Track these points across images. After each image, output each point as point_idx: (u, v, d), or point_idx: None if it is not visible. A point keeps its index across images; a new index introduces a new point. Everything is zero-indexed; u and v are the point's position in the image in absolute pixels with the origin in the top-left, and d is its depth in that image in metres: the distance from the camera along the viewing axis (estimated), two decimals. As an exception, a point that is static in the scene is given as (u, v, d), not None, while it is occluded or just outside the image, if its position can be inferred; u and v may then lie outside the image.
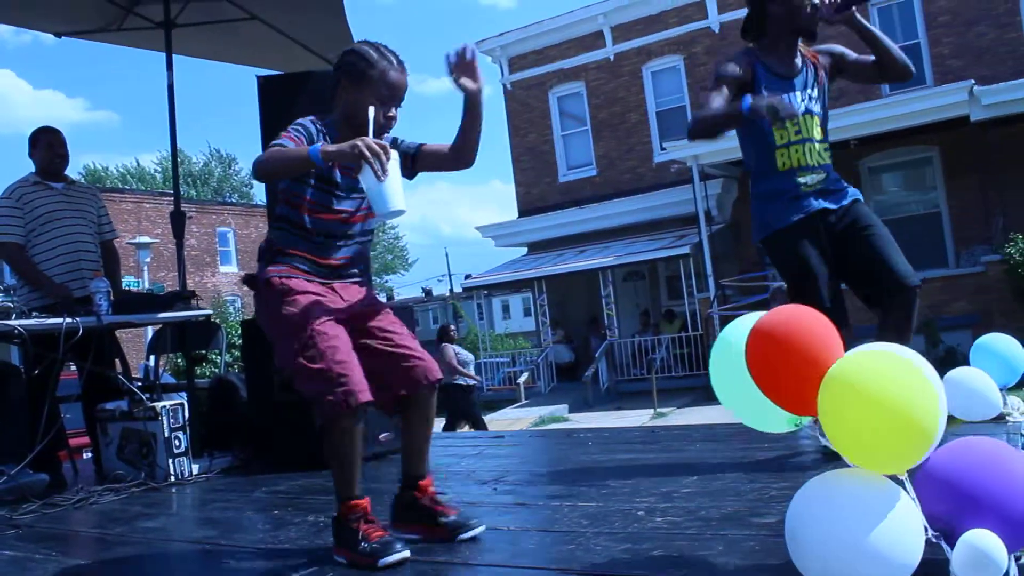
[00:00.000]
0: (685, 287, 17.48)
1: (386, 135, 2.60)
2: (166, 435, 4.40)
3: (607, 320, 18.75)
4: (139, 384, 4.86)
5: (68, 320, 4.12)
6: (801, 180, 3.38)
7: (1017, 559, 1.70)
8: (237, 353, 10.09)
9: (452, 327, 12.26)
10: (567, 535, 2.51)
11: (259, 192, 45.84)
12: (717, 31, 18.87)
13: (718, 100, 3.30)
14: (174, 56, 5.30)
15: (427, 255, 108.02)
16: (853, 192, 3.52)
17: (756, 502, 2.71)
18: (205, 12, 5.25)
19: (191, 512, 3.64)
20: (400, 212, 2.30)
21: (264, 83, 4.68)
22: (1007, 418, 3.77)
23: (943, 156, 16.40)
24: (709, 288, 16.67)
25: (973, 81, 14.47)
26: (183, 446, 4.48)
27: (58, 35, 5.79)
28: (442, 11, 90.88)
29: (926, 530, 1.70)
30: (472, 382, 11.48)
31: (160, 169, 43.90)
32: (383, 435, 4.62)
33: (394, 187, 2.29)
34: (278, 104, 4.64)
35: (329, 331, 2.42)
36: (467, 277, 23.83)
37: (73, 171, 5.08)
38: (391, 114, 2.54)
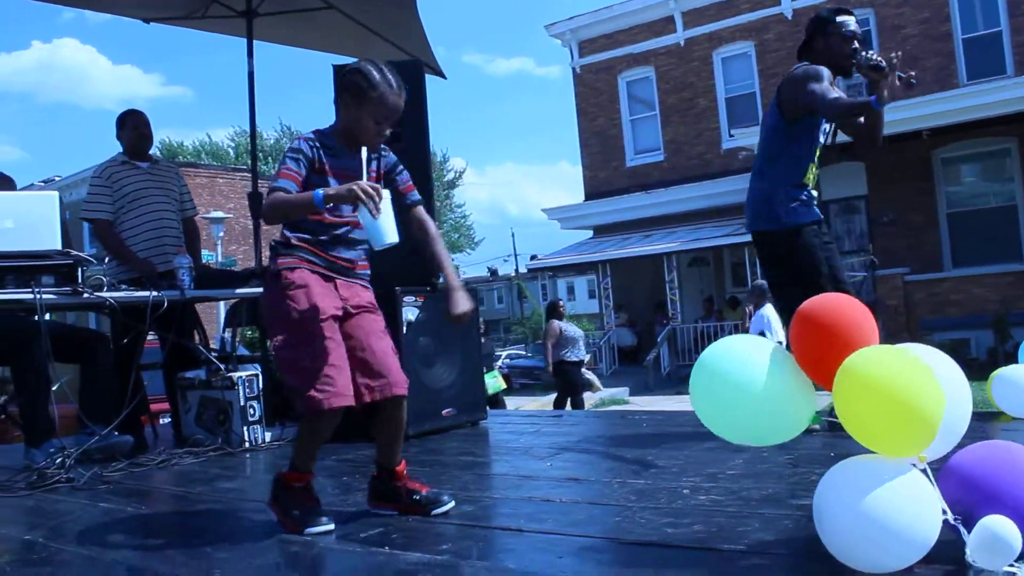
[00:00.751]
0: (750, 274, 17.39)
1: (385, 155, 2.85)
2: (242, 404, 4.67)
3: (671, 305, 18.77)
4: (216, 355, 5.13)
5: (154, 293, 4.40)
6: (814, 193, 4.00)
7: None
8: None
9: (561, 303, 12.10)
10: (615, 508, 2.68)
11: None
12: (790, 17, 18.65)
13: (838, 92, 3.76)
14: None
15: (493, 235, 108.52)
16: None
17: (796, 486, 2.84)
18: (284, 1, 5.48)
19: (265, 476, 3.85)
20: (393, 243, 2.55)
21: (339, 71, 4.87)
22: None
23: (1022, 148, 16.01)
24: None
25: (1054, 71, 14.11)
26: (257, 415, 4.74)
27: (147, 21, 6.08)
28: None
29: (944, 512, 1.82)
30: (581, 357, 11.51)
31: (233, 145, 44.81)
32: (446, 411, 4.82)
33: (387, 222, 2.52)
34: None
35: (326, 332, 2.61)
36: (533, 258, 23.98)
37: (153, 147, 5.37)
38: (385, 132, 2.74)
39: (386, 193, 2.53)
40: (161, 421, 6.09)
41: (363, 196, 2.46)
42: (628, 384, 17.37)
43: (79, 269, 4.13)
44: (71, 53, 73.12)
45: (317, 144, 2.71)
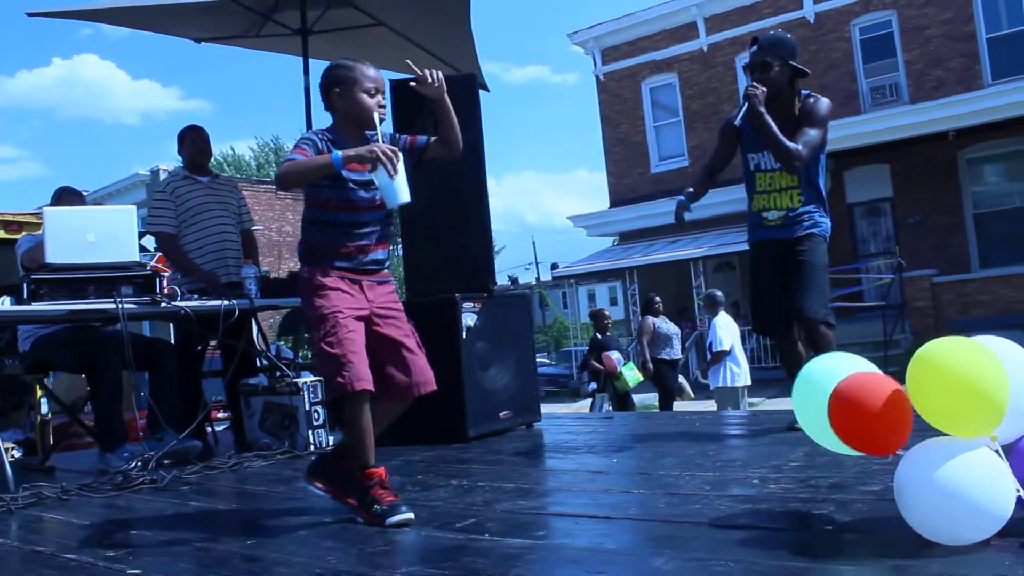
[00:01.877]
0: (776, 278, 17.44)
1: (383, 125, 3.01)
2: (307, 408, 4.84)
3: (697, 309, 18.85)
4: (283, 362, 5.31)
5: (226, 302, 4.59)
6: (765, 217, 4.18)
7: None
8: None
9: (657, 299, 11.29)
10: (692, 497, 2.83)
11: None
12: (812, 20, 18.75)
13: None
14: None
15: (513, 243, 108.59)
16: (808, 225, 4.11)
17: (860, 474, 2.97)
18: (337, 19, 5.67)
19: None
20: (407, 202, 2.79)
21: (396, 85, 5.06)
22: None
23: (1047, 147, 16.06)
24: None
25: (1081, 70, 14.17)
26: (321, 419, 4.91)
27: (198, 40, 6.28)
28: (530, 1, 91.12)
29: (1018, 489, 1.97)
30: (677, 356, 10.97)
31: (254, 156, 45.25)
32: (503, 413, 4.98)
33: (401, 182, 2.75)
34: (408, 104, 5.04)
35: (350, 324, 2.82)
36: (554, 266, 24.10)
37: (172, 161, 5.59)
38: (382, 102, 2.97)
39: (401, 155, 2.75)
40: (216, 427, 6.28)
41: (383, 156, 2.68)
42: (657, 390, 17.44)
43: (156, 280, 4.33)
44: (91, 69, 74.04)
45: (326, 138, 2.92)
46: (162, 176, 24.20)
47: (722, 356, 9.59)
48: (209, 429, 5.65)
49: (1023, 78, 15.92)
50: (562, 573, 2.16)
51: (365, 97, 2.92)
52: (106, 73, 75.13)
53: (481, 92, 5.82)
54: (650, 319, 10.83)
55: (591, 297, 53.78)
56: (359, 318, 2.88)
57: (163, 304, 4.32)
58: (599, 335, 11.29)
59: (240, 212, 5.55)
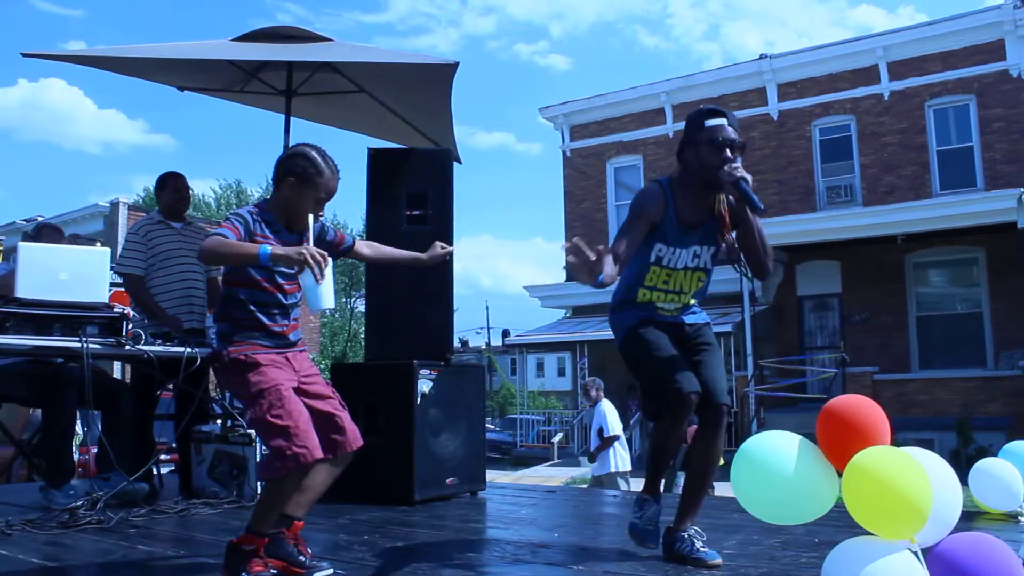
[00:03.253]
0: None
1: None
2: (257, 459, 4.90)
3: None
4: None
5: (189, 350, 4.67)
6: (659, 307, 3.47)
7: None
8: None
9: None
10: (628, 577, 2.96)
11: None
12: (776, 118, 19.45)
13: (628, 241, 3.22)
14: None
15: (466, 305, 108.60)
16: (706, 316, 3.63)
17: (789, 566, 3.14)
18: (322, 82, 5.86)
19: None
20: (330, 308, 2.84)
21: (373, 154, 5.27)
22: (1019, 518, 4.18)
23: (989, 258, 16.73)
24: (747, 367, 16.97)
25: (1022, 190, 14.84)
26: (271, 471, 4.96)
27: (181, 89, 6.43)
28: (502, 70, 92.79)
29: (929, 590, 2.15)
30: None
31: (215, 197, 45.13)
32: (450, 479, 5.08)
33: (327, 287, 2.78)
34: (384, 173, 5.25)
35: (292, 396, 2.87)
36: (505, 333, 24.27)
37: (132, 193, 5.69)
38: (321, 212, 3.07)
39: (329, 260, 2.79)
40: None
41: (311, 261, 2.69)
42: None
43: (123, 323, 4.40)
44: (57, 93, 73.50)
45: (259, 218, 2.97)
46: (121, 207, 24.12)
47: (612, 441, 9.62)
48: (155, 472, 5.66)
49: (970, 191, 16.70)
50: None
51: (310, 205, 2.99)
52: (72, 99, 74.76)
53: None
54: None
55: (540, 366, 53.95)
56: (294, 389, 2.94)
57: (127, 347, 4.39)
58: None
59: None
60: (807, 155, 19.23)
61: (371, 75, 5.69)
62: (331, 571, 2.97)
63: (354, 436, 3.06)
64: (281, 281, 3.03)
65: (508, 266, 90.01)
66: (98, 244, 6.18)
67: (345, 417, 3.06)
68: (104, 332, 4.38)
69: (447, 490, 5.08)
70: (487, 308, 60.38)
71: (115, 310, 4.46)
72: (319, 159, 3.01)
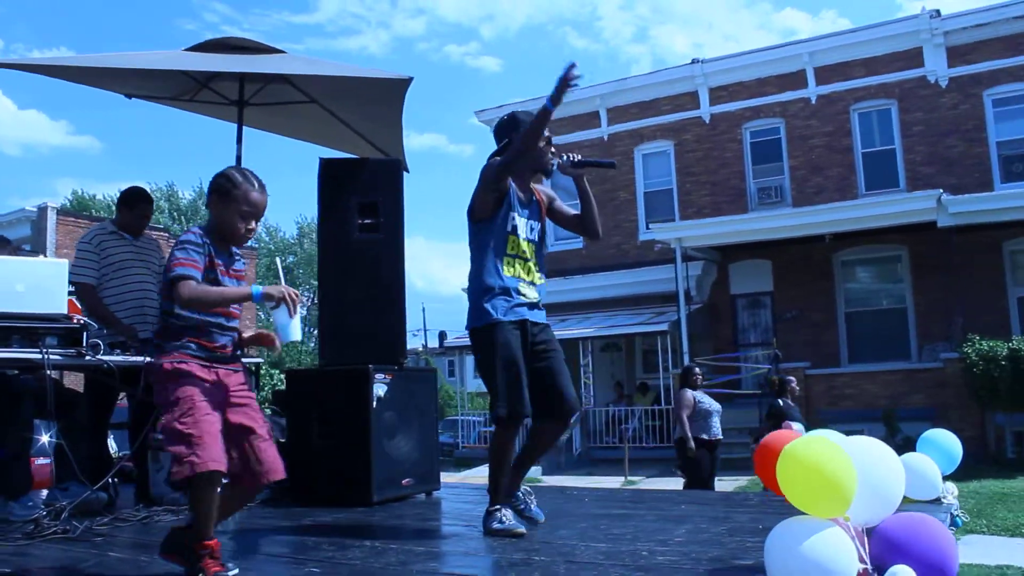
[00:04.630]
0: (661, 362, 18.18)
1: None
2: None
3: (584, 388, 19.38)
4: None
5: (148, 359, 4.73)
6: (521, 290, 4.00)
7: None
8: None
9: (697, 370, 9.92)
10: (589, 565, 3.15)
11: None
12: (708, 121, 19.93)
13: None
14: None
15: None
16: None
17: (736, 550, 3.36)
18: (274, 93, 5.95)
19: (257, 533, 4.20)
20: (298, 340, 3.15)
21: (325, 164, 5.38)
22: (942, 500, 4.49)
23: (911, 256, 17.43)
24: (683, 364, 17.36)
25: (942, 190, 15.51)
26: (229, 477, 5.05)
27: (128, 96, 6.44)
28: (433, 72, 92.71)
29: (863, 562, 2.39)
30: (717, 436, 9.39)
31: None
32: (405, 480, 5.22)
33: (296, 322, 3.06)
34: (336, 182, 5.37)
35: (206, 408, 2.94)
36: (442, 335, 24.35)
37: (60, 197, 5.72)
38: (251, 227, 3.14)
39: (302, 298, 3.04)
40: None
41: (288, 299, 3.00)
42: (541, 464, 17.78)
43: (83, 333, 4.46)
44: (-27, 93, 71.10)
45: (207, 241, 3.08)
46: (49, 212, 23.61)
47: None
48: (109, 481, 5.68)
49: (893, 192, 17.37)
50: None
51: (237, 220, 3.10)
52: (-10, 99, 72.53)
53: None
54: (688, 392, 9.46)
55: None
56: (215, 406, 3.00)
57: (87, 357, 4.44)
58: (780, 401, 9.82)
59: (162, 271, 5.67)
60: (738, 157, 19.76)
61: (323, 87, 5.81)
62: (236, 571, 3.06)
63: (273, 468, 3.07)
64: (231, 308, 3.16)
65: (442, 269, 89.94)
66: (27, 250, 6.13)
67: (267, 448, 3.09)
68: (64, 343, 4.44)
69: (403, 491, 5.22)
70: (423, 310, 60.30)
71: (74, 321, 4.52)
72: (238, 175, 3.14)
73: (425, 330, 53.76)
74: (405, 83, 4.94)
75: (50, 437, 4.89)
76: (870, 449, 2.66)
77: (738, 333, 19.44)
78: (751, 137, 19.71)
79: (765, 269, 18.82)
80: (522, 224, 4.08)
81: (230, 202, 3.10)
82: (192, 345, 3.07)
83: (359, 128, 6.06)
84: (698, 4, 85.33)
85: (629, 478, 15.36)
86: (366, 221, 5.33)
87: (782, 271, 18.58)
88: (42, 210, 24.56)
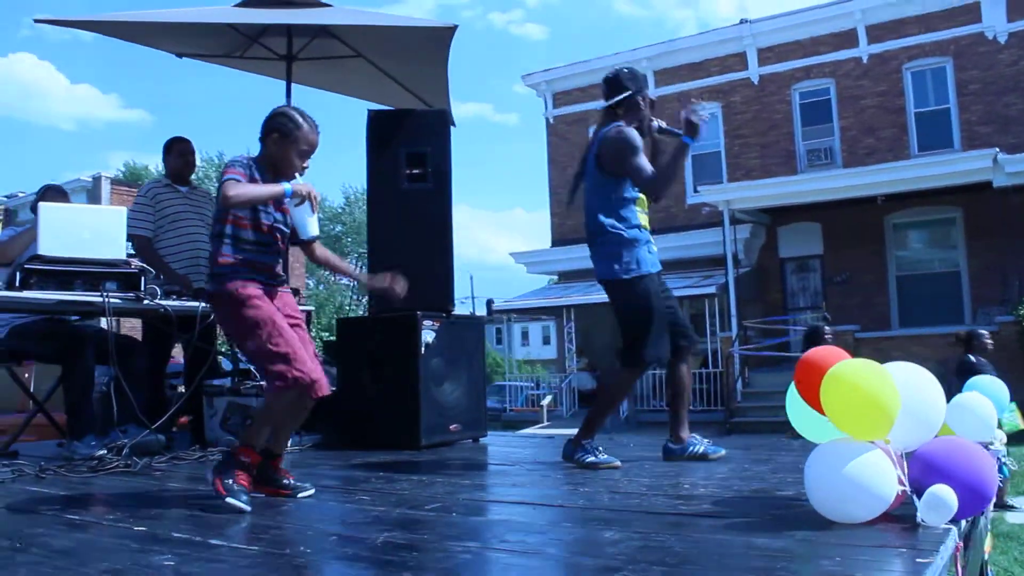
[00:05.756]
0: (708, 325, 18.11)
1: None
2: (268, 409, 5.12)
3: (630, 351, 19.40)
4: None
5: (203, 305, 4.87)
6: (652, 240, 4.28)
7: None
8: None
9: (827, 329, 8.66)
10: (633, 494, 3.23)
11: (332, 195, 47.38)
12: (756, 82, 19.66)
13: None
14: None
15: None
16: None
17: (776, 484, 3.41)
18: (321, 48, 6.03)
19: (308, 471, 4.33)
20: (317, 236, 3.39)
21: (373, 116, 5.45)
22: (989, 446, 4.47)
23: (966, 218, 17.08)
24: (731, 328, 17.29)
25: (997, 149, 15.14)
26: (282, 420, 5.19)
27: (180, 55, 6.56)
28: (477, 40, 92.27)
29: (902, 483, 2.42)
30: None
31: (202, 169, 45.03)
32: (453, 426, 5.33)
33: (315, 220, 3.32)
34: (384, 134, 5.44)
35: (286, 326, 3.16)
36: (490, 302, 24.47)
37: (114, 168, 5.87)
38: (306, 165, 3.32)
39: (319, 197, 3.29)
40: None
41: (312, 196, 3.23)
42: (602, 430, 17.90)
43: (141, 278, 4.61)
44: (28, 69, 72.48)
45: (254, 167, 3.26)
46: (103, 182, 24.13)
47: None
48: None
49: (947, 152, 17.00)
50: (528, 538, 2.52)
51: (295, 158, 3.27)
52: (44, 75, 73.84)
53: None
54: None
55: (524, 335, 54.31)
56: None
57: (146, 301, 4.59)
58: (971, 356, 8.83)
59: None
60: (787, 119, 19.48)
61: (369, 40, 5.87)
62: (313, 490, 3.30)
63: (324, 383, 3.21)
64: (278, 225, 3.32)
65: (489, 237, 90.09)
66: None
67: (318, 365, 3.26)
68: (123, 287, 4.60)
69: (451, 436, 5.32)
70: (471, 279, 60.45)
71: (132, 267, 4.67)
72: (298, 116, 3.31)
73: (473, 298, 54.05)
74: (450, 31, 4.98)
75: (109, 380, 5.07)
76: (912, 375, 2.67)
77: (787, 297, 19.26)
78: (800, 98, 19.39)
79: (815, 232, 18.59)
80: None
81: (290, 142, 3.26)
82: (247, 269, 3.22)
83: (405, 81, 6.11)
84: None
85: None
86: (414, 171, 5.40)
87: (832, 234, 18.33)
88: (96, 180, 25.09)
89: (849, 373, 2.51)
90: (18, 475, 3.95)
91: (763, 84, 19.65)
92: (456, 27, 4.90)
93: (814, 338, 8.85)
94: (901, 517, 2.44)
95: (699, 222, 19.34)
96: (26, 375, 8.54)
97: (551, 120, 22.73)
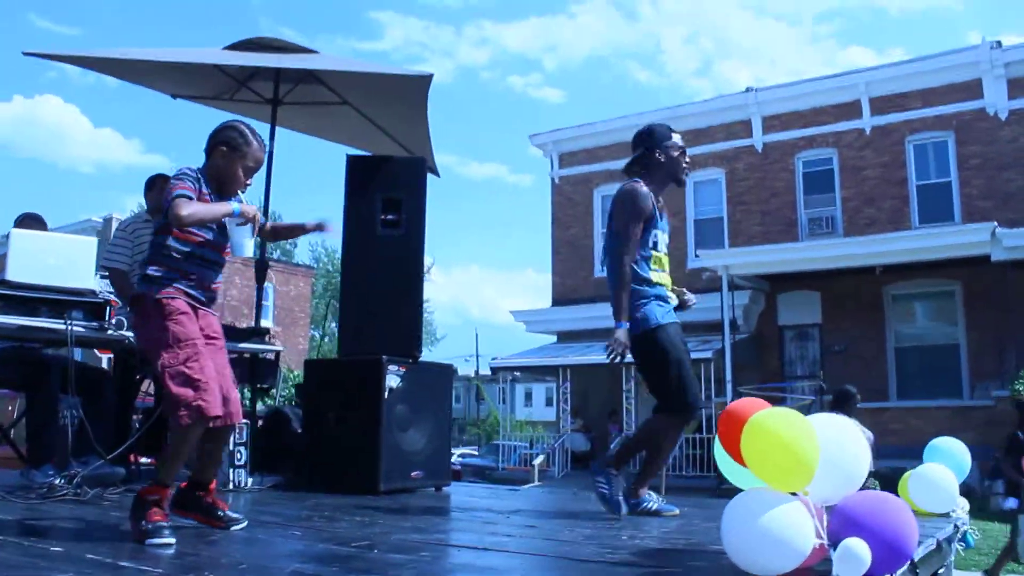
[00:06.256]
0: (704, 391, 17.97)
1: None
2: (231, 448, 5.10)
3: (625, 413, 19.29)
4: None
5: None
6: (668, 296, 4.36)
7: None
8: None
9: (855, 392, 8.18)
10: (567, 543, 3.19)
11: (300, 253, 47.48)
12: (760, 150, 19.84)
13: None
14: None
15: (455, 334, 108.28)
16: None
17: (716, 538, 3.35)
18: (306, 93, 6.15)
19: (255, 508, 4.30)
20: (248, 256, 3.49)
21: (352, 161, 5.53)
22: (950, 513, 4.39)
23: (964, 291, 17.07)
24: (727, 393, 17.18)
25: (996, 223, 15.18)
26: (243, 459, 5.18)
27: (175, 96, 6.71)
28: (495, 100, 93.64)
29: (819, 535, 2.39)
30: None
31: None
32: (415, 472, 5.29)
33: (250, 242, 3.34)
34: (362, 179, 5.50)
35: (205, 352, 3.08)
36: (494, 359, 24.44)
37: (123, 208, 5.93)
38: (248, 181, 3.36)
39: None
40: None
41: (256, 218, 3.26)
42: (578, 487, 17.68)
43: (106, 309, 4.64)
44: (52, 111, 73.63)
45: (201, 178, 3.22)
46: (114, 223, 24.40)
47: None
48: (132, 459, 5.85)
49: (946, 224, 17.06)
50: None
51: (241, 173, 3.31)
52: (68, 118, 75.04)
53: (433, 178, 6.30)
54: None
55: (528, 395, 54.04)
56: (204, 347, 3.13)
57: (110, 331, 4.61)
58: (1020, 433, 8.43)
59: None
60: (790, 187, 19.61)
61: (353, 86, 5.98)
62: (245, 523, 3.25)
63: (237, 410, 3.20)
64: (221, 242, 3.31)
65: (498, 297, 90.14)
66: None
67: (233, 390, 3.24)
68: (88, 316, 4.62)
69: (412, 483, 5.28)
70: (476, 336, 60.61)
71: (99, 297, 4.70)
72: (248, 132, 3.34)
73: (477, 356, 54.08)
74: (426, 80, 5.06)
75: (72, 411, 5.07)
76: (835, 426, 2.65)
77: (785, 365, 19.19)
78: (803, 167, 19.55)
79: (814, 300, 18.58)
80: (662, 239, 4.37)
81: (239, 156, 3.30)
82: (184, 283, 3.19)
83: (387, 128, 6.21)
84: (762, 39, 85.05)
85: (665, 504, 15.18)
86: (389, 217, 5.45)
87: (831, 303, 18.32)
88: (107, 221, 25.36)
89: (769, 422, 2.50)
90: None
91: (767, 152, 19.82)
92: (431, 76, 4.99)
93: (843, 401, 8.40)
94: (822, 573, 2.41)
95: (698, 287, 19.27)
96: (9, 407, 8.59)
97: (556, 180, 22.93)
